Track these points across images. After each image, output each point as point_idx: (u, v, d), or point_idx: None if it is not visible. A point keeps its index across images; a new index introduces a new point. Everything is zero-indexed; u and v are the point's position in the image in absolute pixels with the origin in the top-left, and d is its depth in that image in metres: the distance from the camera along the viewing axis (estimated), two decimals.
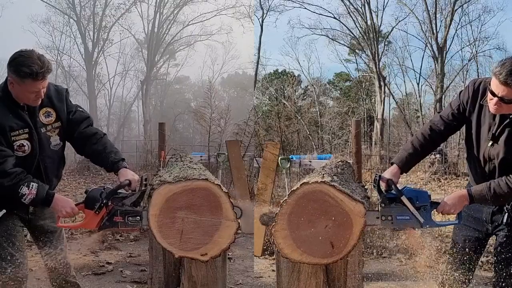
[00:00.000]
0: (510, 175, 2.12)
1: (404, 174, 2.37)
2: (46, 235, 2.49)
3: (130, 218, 2.09)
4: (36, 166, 2.30)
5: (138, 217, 2.08)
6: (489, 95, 2.09)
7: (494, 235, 2.38)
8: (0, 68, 23.14)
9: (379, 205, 2.09)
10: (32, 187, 2.15)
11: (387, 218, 2.08)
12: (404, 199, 2.07)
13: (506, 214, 2.26)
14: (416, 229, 2.13)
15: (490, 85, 2.08)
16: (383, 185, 2.15)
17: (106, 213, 2.08)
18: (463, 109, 2.28)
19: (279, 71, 23.25)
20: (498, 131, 2.15)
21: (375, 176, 2.19)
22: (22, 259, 2.35)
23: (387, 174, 2.22)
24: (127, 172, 2.27)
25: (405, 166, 2.30)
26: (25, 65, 2.09)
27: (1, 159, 2.13)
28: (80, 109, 2.47)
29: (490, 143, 2.18)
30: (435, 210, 2.15)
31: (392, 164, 2.32)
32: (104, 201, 2.06)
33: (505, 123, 2.13)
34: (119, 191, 2.12)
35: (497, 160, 2.18)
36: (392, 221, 2.08)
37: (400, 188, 2.11)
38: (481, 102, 2.20)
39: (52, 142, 2.36)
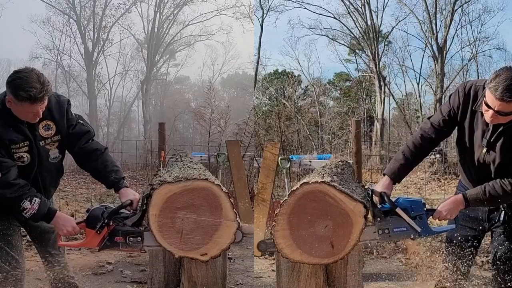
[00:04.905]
0: (505, 178, 2.12)
1: None
2: (43, 235, 2.50)
3: (131, 238, 2.10)
4: (33, 176, 2.30)
5: (139, 238, 2.09)
6: (484, 106, 2.06)
7: (490, 232, 2.38)
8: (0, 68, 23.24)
9: (375, 220, 2.09)
10: (34, 202, 2.14)
11: (384, 231, 2.09)
12: (399, 210, 2.07)
13: (503, 212, 2.27)
14: (414, 238, 2.15)
15: (485, 96, 2.05)
16: (376, 199, 2.14)
17: (108, 233, 2.09)
18: (454, 114, 2.25)
19: (279, 71, 23.23)
20: (494, 138, 2.14)
21: (368, 190, 2.19)
22: (19, 258, 2.35)
23: (379, 187, 2.21)
24: (128, 192, 2.26)
25: (397, 177, 2.28)
26: (23, 89, 2.04)
27: (4, 170, 2.12)
28: (81, 122, 2.43)
29: (485, 150, 2.17)
30: (431, 217, 2.16)
31: (384, 175, 2.31)
32: (106, 221, 2.07)
33: (499, 130, 2.12)
34: (121, 211, 2.13)
35: (493, 166, 2.18)
36: (389, 234, 2.10)
37: (393, 199, 2.11)
38: (473, 108, 2.18)
39: (51, 155, 2.35)
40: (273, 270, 3.93)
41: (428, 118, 2.37)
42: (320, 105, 22.08)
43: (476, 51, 19.37)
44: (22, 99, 2.06)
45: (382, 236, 2.10)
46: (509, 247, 2.27)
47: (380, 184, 2.25)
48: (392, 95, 20.38)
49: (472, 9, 19.01)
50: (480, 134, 2.18)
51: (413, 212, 2.09)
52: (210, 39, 25.22)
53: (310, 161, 4.72)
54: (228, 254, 3.72)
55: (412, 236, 2.11)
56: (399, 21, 19.61)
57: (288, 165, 4.52)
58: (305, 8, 20.04)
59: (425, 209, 2.12)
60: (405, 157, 2.29)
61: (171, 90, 27.26)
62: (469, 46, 19.39)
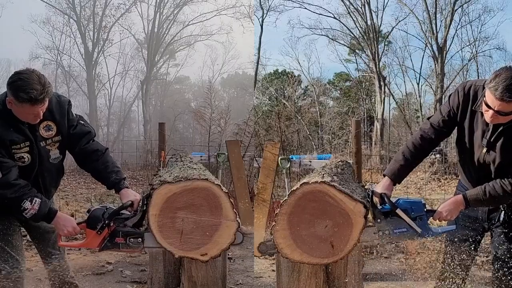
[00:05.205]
0: (505, 178, 2.12)
1: None
2: (44, 235, 2.49)
3: (131, 239, 2.10)
4: (34, 177, 2.30)
5: (140, 239, 2.09)
6: (484, 106, 2.06)
7: (489, 232, 2.38)
8: None
9: (375, 221, 2.10)
10: (35, 202, 2.14)
11: (384, 232, 2.09)
12: (399, 211, 2.07)
13: (503, 212, 2.27)
14: (415, 239, 2.15)
15: (485, 96, 2.04)
16: (376, 200, 2.14)
17: (108, 233, 2.09)
18: (454, 114, 2.25)
19: (279, 71, 23.25)
20: (494, 138, 2.13)
21: (368, 191, 2.18)
22: (19, 258, 2.35)
23: (379, 188, 2.21)
24: (129, 193, 2.26)
25: (398, 178, 2.28)
26: (24, 90, 2.04)
27: (5, 170, 2.12)
28: (82, 122, 2.42)
29: (485, 150, 2.17)
30: (431, 218, 2.16)
31: (384, 176, 2.30)
32: (106, 221, 2.07)
33: (499, 130, 2.11)
34: (122, 211, 2.13)
35: (494, 166, 2.18)
36: (390, 235, 2.10)
37: (393, 200, 2.11)
38: (473, 108, 2.18)
39: (52, 155, 2.34)
40: (273, 270, 3.93)
41: (428, 119, 2.36)
42: (320, 105, 22.09)
43: (476, 51, 19.40)
44: (23, 101, 2.06)
45: (382, 237, 2.10)
46: (509, 247, 2.27)
47: (381, 185, 2.25)
48: (392, 95, 20.40)
49: (472, 9, 19.06)
50: (480, 134, 2.18)
51: (413, 213, 2.09)
52: (210, 39, 25.28)
53: (310, 161, 4.72)
54: (228, 254, 3.72)
55: (412, 237, 2.11)
56: (399, 21, 19.64)
57: (288, 165, 4.52)
58: (305, 8, 20.08)
59: (425, 210, 2.12)
60: (405, 158, 2.29)
61: (171, 90, 27.27)
62: (469, 46, 19.43)
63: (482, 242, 2.48)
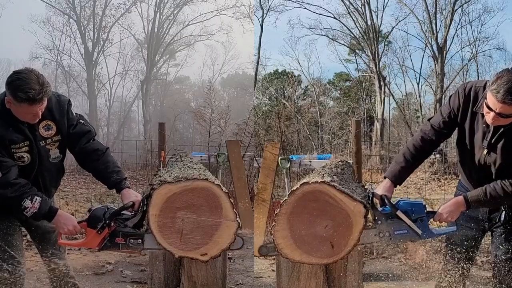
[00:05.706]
0: (506, 179, 2.12)
1: None
2: (44, 235, 2.49)
3: (131, 240, 2.10)
4: (34, 176, 2.30)
5: (140, 240, 2.10)
6: (485, 108, 2.06)
7: (490, 232, 2.38)
8: None
9: (375, 223, 2.09)
10: (35, 201, 2.14)
11: (385, 234, 2.09)
12: (400, 213, 2.07)
13: (504, 212, 2.27)
14: (415, 241, 2.14)
15: (486, 98, 2.04)
16: (377, 202, 2.14)
17: (108, 233, 2.09)
18: (454, 115, 2.25)
19: (279, 71, 23.25)
20: (494, 139, 2.13)
21: (368, 193, 2.18)
22: (20, 258, 2.35)
23: (380, 190, 2.21)
24: (130, 193, 2.26)
25: (398, 180, 2.28)
26: (22, 90, 2.04)
27: (5, 170, 2.12)
28: (82, 122, 2.41)
29: (486, 151, 2.17)
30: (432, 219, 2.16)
31: (384, 178, 2.30)
32: (107, 221, 2.07)
33: (500, 131, 2.11)
34: (122, 212, 2.13)
35: (494, 167, 2.18)
36: (390, 236, 2.10)
37: (394, 202, 2.11)
38: (474, 110, 2.18)
39: (52, 155, 2.34)
40: (273, 270, 3.93)
41: (428, 120, 2.36)
42: (320, 105, 22.10)
43: (476, 51, 19.42)
44: (21, 100, 2.06)
45: (383, 239, 2.09)
46: (509, 248, 2.27)
47: (381, 187, 2.25)
48: (392, 95, 20.41)
49: (472, 9, 19.08)
50: (481, 136, 2.18)
51: (414, 214, 2.09)
52: (210, 39, 25.31)
53: (310, 161, 4.72)
54: (228, 254, 3.72)
55: (413, 239, 2.11)
56: (399, 21, 19.65)
57: (288, 165, 4.52)
58: (305, 8, 20.10)
59: (426, 211, 2.12)
60: (406, 160, 2.29)
61: (171, 90, 27.28)
62: (469, 46, 19.44)
63: (482, 242, 2.48)
